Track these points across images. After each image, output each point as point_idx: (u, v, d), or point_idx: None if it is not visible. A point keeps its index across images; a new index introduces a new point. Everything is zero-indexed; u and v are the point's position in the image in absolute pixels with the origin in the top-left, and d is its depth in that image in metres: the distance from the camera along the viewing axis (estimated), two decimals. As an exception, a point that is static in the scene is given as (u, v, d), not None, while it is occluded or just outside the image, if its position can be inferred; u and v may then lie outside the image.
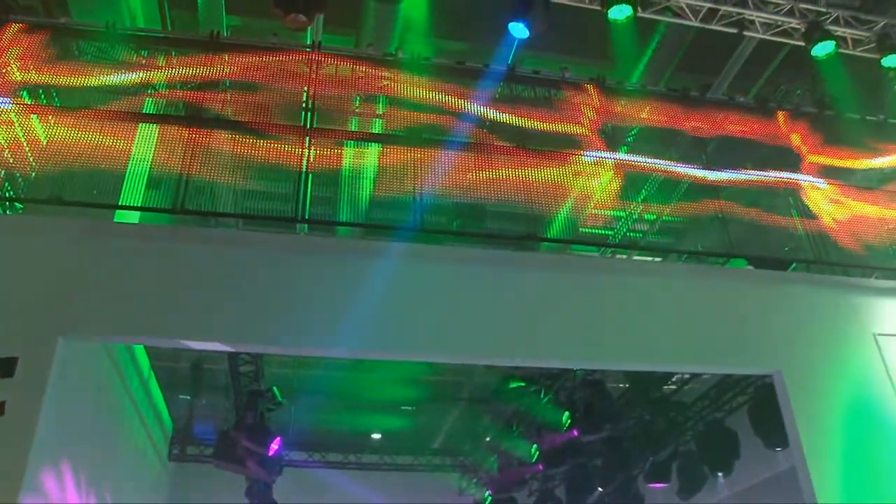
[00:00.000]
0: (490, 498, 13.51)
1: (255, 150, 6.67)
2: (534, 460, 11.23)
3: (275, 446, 10.14)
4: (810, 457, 6.88)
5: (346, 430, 13.97)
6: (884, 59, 8.80)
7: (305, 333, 6.37)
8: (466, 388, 12.53)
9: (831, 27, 8.69)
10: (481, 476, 13.84)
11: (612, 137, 7.55)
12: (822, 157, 8.46)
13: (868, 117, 9.06)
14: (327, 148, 6.90)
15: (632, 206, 7.69)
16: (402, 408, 13.39)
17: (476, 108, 7.42)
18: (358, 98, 7.53)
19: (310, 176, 6.64)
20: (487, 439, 13.08)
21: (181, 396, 12.76)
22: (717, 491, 10.75)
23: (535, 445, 11.05)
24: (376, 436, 14.61)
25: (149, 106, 6.99)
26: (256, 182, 6.72)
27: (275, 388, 10.29)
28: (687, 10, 8.24)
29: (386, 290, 6.52)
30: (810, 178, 8.20)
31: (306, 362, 11.69)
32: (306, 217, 6.61)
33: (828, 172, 8.39)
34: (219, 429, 11.29)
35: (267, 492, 10.95)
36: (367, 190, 6.93)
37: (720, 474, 10.37)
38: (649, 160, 7.60)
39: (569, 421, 9.93)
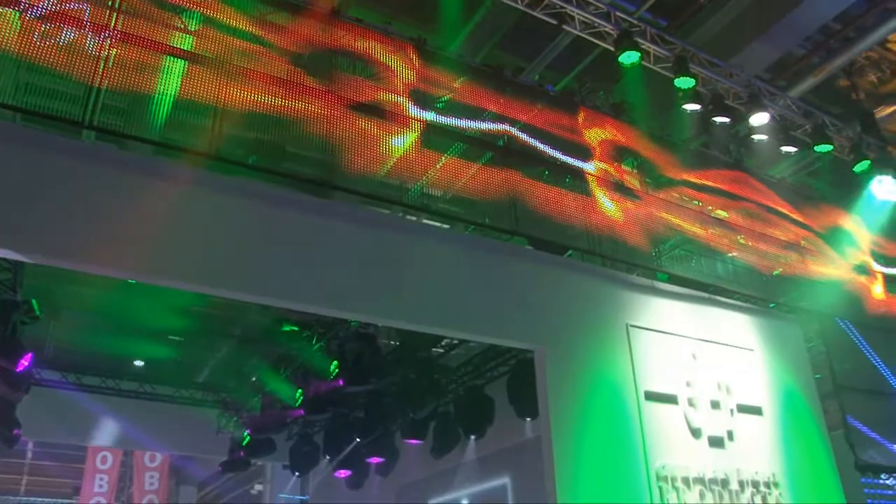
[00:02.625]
0: (249, 438, 13.41)
1: (45, 42, 6.08)
2: (297, 405, 11.27)
3: (24, 362, 9.40)
4: (555, 428, 7.49)
5: (107, 353, 13.22)
6: (677, 79, 9.55)
7: (72, 246, 5.98)
8: (239, 325, 12.29)
9: (639, 40, 9.28)
10: (242, 415, 13.70)
11: (422, 99, 7.65)
12: (609, 160, 9.06)
13: (656, 131, 9.82)
14: (128, 55, 6.43)
15: (430, 171, 7.85)
16: (170, 337, 12.89)
17: (292, 44, 7.23)
18: (171, 9, 7.07)
19: (105, 82, 6.18)
20: (253, 379, 12.95)
21: (-81, 300, 11.48)
22: (466, 452, 11.33)
23: (299, 390, 11.08)
24: (139, 363, 13.98)
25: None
26: (43, 77, 6.15)
27: (34, 301, 9.53)
28: (515, -9, 8.47)
29: (168, 214, 6.28)
30: (592, 166, 8.77)
31: (74, 278, 10.92)
32: (94, 124, 6.15)
33: (612, 173, 9.02)
34: (-39, 339, 10.29)
35: (10, 411, 10.18)
36: (166, 108, 6.57)
37: (473, 437, 10.93)
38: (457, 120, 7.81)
39: (336, 370, 10.03)
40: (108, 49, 6.27)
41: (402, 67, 7.68)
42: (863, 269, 11.91)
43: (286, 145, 7.68)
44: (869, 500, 10.21)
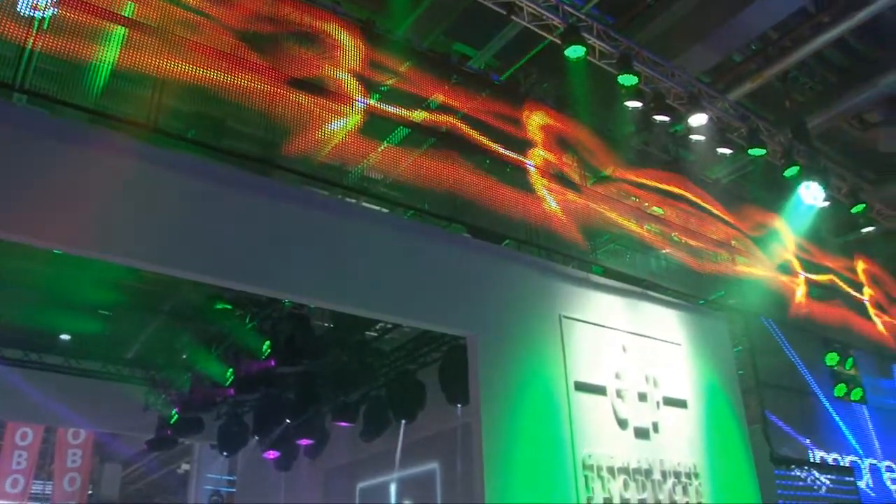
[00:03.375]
0: (177, 416, 13.19)
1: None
2: (227, 384, 11.12)
3: (-58, 335, 9.08)
4: (485, 415, 7.57)
5: (31, 326, 12.82)
6: (620, 76, 9.70)
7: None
8: (170, 302, 12.03)
9: (586, 35, 9.39)
10: (171, 393, 13.44)
11: (367, 81, 7.60)
12: (550, 152, 9.16)
13: (598, 126, 9.97)
14: (66, 17, 6.23)
15: (371, 154, 7.84)
16: (99, 311, 12.57)
17: (236, 18, 7.10)
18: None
19: (39, 44, 5.98)
20: (183, 357, 12.71)
21: None
22: (396, 436, 11.35)
23: (230, 370, 10.93)
24: (65, 337, 13.60)
25: None
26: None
27: (-44, 274, 9.20)
28: (465, -22, 8.48)
29: (101, 184, 6.13)
30: (533, 158, 8.86)
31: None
32: (26, 87, 5.95)
33: (553, 166, 9.12)
34: None
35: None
36: (103, 75, 6.39)
37: (403, 421, 10.95)
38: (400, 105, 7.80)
39: (268, 350, 9.93)
40: (45, 9, 6.07)
41: (348, 48, 7.62)
42: (787, 270, 12.33)
43: (227, 121, 7.55)
44: (780, 491, 10.62)
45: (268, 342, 9.99)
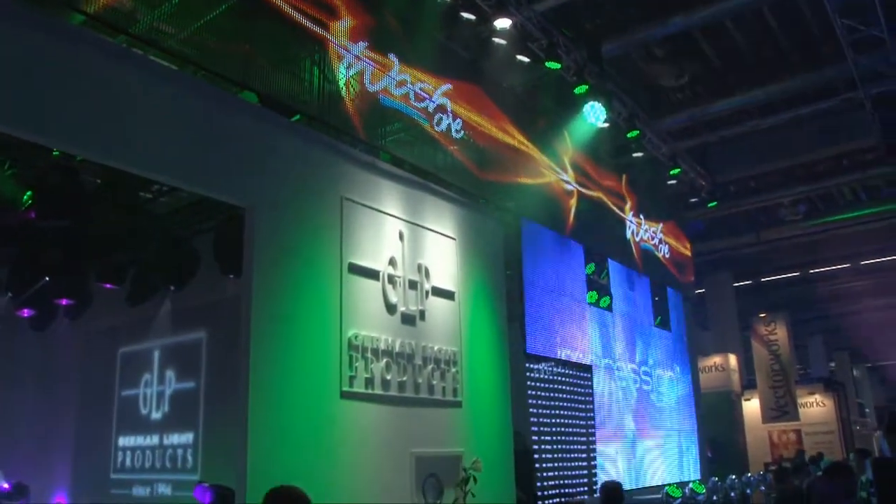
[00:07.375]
0: (-82, 265, 11.98)
1: None
2: (-22, 235, 10.25)
3: None
4: (257, 288, 7.55)
5: None
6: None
7: None
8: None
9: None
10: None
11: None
12: (353, 33, 9.02)
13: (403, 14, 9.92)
14: None
15: (165, 5, 7.33)
16: None
17: None
18: None
19: None
20: (-72, 201, 11.47)
21: None
22: (164, 303, 11.08)
23: (-17, 219, 10.05)
24: None
25: None
26: None
27: None
28: None
29: None
30: (335, 37, 8.70)
31: None
32: None
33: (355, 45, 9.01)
34: None
35: None
36: None
37: (172, 288, 10.67)
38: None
39: (29, 201, 9.19)
40: None
41: None
42: (564, 180, 13.18)
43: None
44: (529, 383, 11.69)
45: (29, 192, 9.22)
